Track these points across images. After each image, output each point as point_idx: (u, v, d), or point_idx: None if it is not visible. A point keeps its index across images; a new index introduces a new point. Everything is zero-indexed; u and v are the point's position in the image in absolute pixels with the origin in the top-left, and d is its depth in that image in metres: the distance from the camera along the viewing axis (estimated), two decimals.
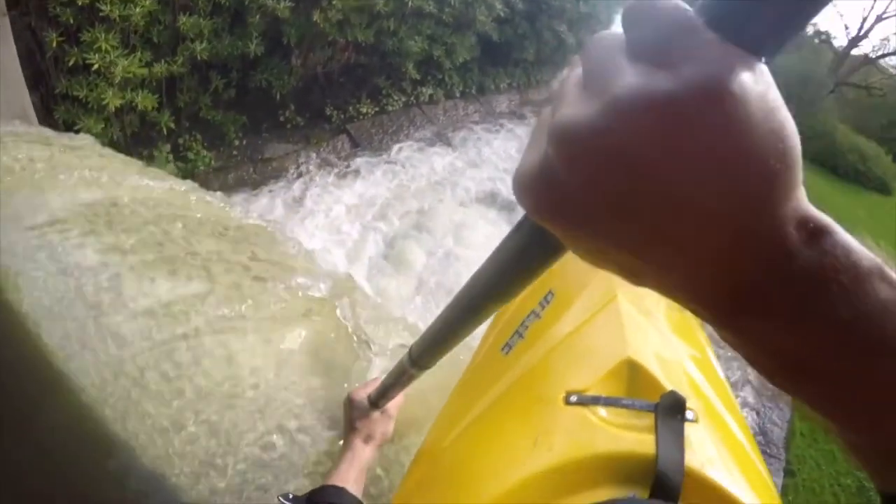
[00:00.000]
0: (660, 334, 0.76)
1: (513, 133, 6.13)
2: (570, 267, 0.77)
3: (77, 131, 2.67)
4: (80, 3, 2.48)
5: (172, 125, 3.34)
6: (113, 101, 2.64)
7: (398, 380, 0.73)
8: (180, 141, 3.59)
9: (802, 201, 0.20)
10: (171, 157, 3.47)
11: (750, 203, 0.19)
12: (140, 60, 2.76)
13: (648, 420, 0.58)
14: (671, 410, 0.58)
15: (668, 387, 0.63)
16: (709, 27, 0.19)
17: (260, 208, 3.85)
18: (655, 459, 0.53)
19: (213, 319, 1.33)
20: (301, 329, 1.40)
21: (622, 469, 0.54)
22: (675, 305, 0.23)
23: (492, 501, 0.55)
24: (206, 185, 3.75)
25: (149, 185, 1.80)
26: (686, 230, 0.19)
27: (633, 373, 0.66)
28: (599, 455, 0.56)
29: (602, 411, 0.61)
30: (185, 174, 3.62)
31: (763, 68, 0.19)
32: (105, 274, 1.36)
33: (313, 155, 4.61)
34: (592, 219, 0.21)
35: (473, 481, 0.62)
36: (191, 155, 3.64)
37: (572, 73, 0.22)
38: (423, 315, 3.27)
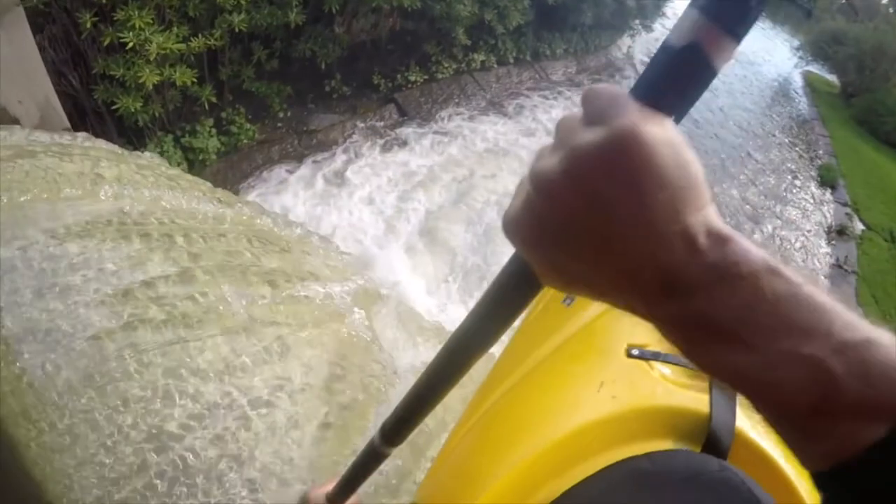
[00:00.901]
0: None
1: (571, 101, 5.80)
2: None
3: (116, 110, 2.69)
4: None
5: (214, 99, 3.33)
6: (150, 78, 2.63)
7: (365, 464, 0.68)
8: (223, 115, 3.59)
9: (711, 217, 0.26)
10: (213, 131, 3.47)
11: (665, 215, 0.25)
12: (177, 36, 2.72)
13: (704, 380, 0.63)
14: None
15: None
16: (634, 98, 0.26)
17: (303, 181, 3.83)
18: (709, 418, 0.57)
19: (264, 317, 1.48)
20: (329, 339, 1.52)
21: (677, 424, 0.58)
22: None
23: (558, 440, 0.60)
24: (249, 158, 3.79)
25: (217, 204, 1.90)
26: (624, 239, 0.25)
27: None
28: (658, 408, 0.60)
29: (661, 367, 0.66)
30: (228, 148, 3.63)
31: (669, 122, 0.26)
32: (175, 268, 1.49)
33: (360, 125, 4.54)
34: (561, 238, 0.27)
35: (537, 420, 0.66)
36: (234, 128, 3.63)
37: (546, 145, 0.29)
38: (461, 303, 3.21)
